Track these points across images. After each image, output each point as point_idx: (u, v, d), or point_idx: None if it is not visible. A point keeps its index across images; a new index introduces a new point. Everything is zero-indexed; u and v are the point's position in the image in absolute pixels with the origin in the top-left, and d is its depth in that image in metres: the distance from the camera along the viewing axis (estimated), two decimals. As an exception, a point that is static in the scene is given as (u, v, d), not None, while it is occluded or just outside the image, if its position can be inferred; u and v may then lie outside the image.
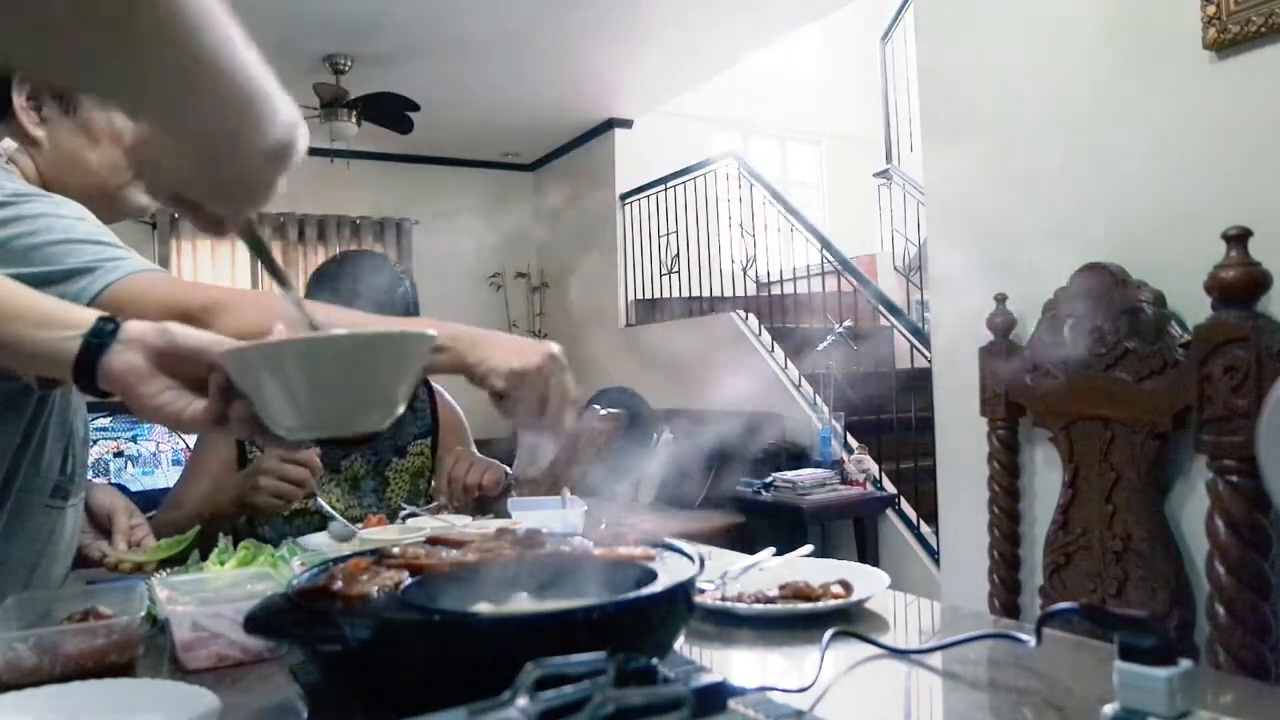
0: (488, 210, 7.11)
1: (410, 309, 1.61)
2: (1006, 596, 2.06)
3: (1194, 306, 1.68)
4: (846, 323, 4.46)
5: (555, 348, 0.89)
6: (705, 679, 0.53)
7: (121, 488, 1.29)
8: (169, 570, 1.05)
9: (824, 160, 7.86)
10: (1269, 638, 1.54)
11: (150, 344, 0.66)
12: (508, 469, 1.51)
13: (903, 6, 5.46)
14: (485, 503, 1.47)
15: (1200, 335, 1.63)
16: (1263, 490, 1.48)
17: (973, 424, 2.13)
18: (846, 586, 0.95)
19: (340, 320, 0.67)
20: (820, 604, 0.91)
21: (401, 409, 0.67)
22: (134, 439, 4.10)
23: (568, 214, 6.80)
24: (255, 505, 1.33)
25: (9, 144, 0.87)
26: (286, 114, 0.55)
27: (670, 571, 0.69)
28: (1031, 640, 0.77)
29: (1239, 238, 1.56)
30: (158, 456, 4.13)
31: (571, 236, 6.75)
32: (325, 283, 1.58)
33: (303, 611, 0.61)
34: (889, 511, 4.08)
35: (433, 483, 1.58)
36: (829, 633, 0.81)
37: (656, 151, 6.00)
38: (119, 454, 4.07)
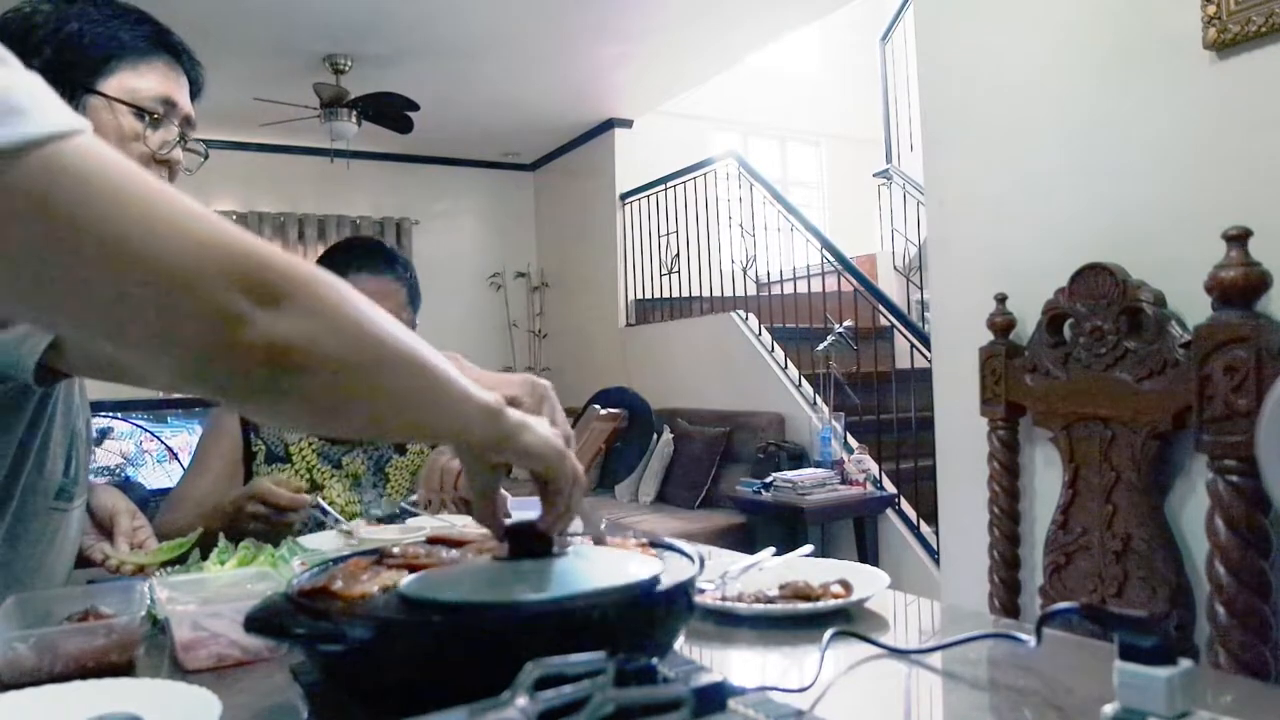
0: (488, 210, 7.12)
1: (411, 278, 1.61)
2: (1006, 596, 2.06)
3: (1194, 306, 1.68)
4: (846, 323, 4.46)
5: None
6: (705, 679, 0.53)
7: (125, 487, 1.28)
8: (169, 570, 1.05)
9: (824, 160, 7.87)
10: (1269, 638, 1.54)
11: None
12: None
13: (903, 6, 5.47)
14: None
15: (1200, 335, 1.63)
16: (1263, 490, 1.48)
17: (973, 424, 2.13)
18: (846, 586, 0.95)
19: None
20: (820, 604, 0.91)
21: None
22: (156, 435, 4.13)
23: (568, 214, 6.81)
24: (243, 532, 1.34)
25: None
26: None
27: (670, 571, 0.69)
28: (1031, 640, 0.77)
29: (1239, 238, 1.56)
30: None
31: (571, 236, 6.75)
32: (334, 253, 1.59)
33: (303, 611, 0.61)
34: (889, 511, 4.08)
35: (423, 475, 1.59)
36: (829, 633, 0.81)
37: (656, 151, 6.00)
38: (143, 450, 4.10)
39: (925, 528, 3.96)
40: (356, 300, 0.56)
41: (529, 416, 0.70)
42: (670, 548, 0.79)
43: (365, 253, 1.58)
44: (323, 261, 1.58)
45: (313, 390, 0.54)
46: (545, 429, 0.71)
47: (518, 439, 0.68)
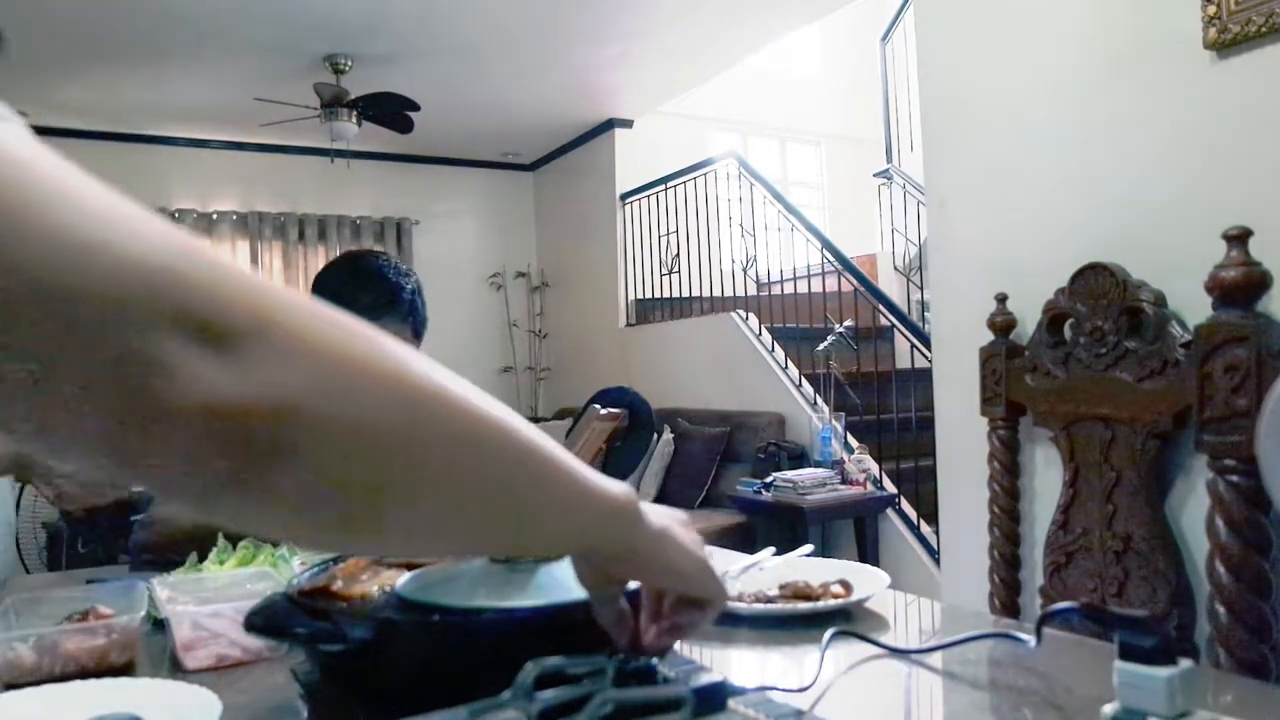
0: (488, 210, 7.12)
1: (415, 310, 1.49)
2: (1006, 596, 2.06)
3: (1194, 306, 1.68)
4: (847, 323, 4.46)
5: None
6: (705, 679, 0.53)
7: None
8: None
9: (824, 160, 7.86)
10: (1269, 638, 1.54)
11: None
12: None
13: (903, 6, 5.47)
14: None
15: (1200, 335, 1.63)
16: (1263, 490, 1.48)
17: (973, 424, 2.13)
18: (846, 586, 0.95)
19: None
20: (820, 604, 0.91)
21: None
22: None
23: (568, 214, 6.81)
24: None
25: None
26: None
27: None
28: (1031, 640, 0.77)
29: (1239, 238, 1.56)
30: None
31: (571, 236, 6.75)
32: (327, 290, 1.45)
33: (303, 611, 0.61)
34: (889, 511, 4.08)
35: None
36: (829, 632, 0.81)
37: (656, 151, 6.00)
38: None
39: (925, 528, 3.96)
40: (366, 336, 0.38)
41: (665, 519, 0.55)
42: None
43: (359, 286, 1.39)
44: (316, 287, 1.45)
45: (304, 481, 0.34)
46: (687, 537, 0.56)
47: (658, 554, 0.53)
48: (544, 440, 0.44)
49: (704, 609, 0.57)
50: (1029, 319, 2.02)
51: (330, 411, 0.34)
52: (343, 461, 0.35)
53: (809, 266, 4.94)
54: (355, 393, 0.35)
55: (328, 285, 1.45)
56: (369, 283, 1.43)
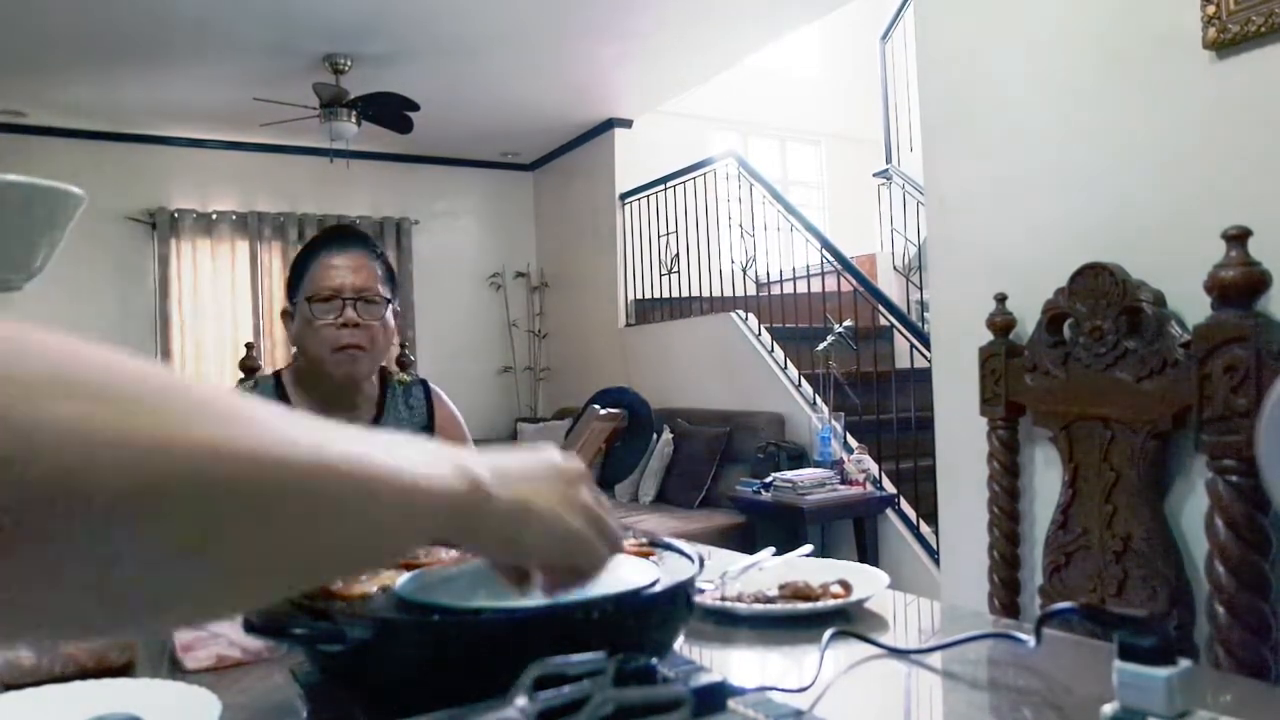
0: (487, 210, 7.12)
1: (383, 256, 1.64)
2: (1006, 596, 2.06)
3: (1194, 306, 1.68)
4: (846, 323, 4.46)
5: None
6: (705, 679, 0.53)
7: None
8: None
9: (824, 160, 7.87)
10: (1269, 638, 1.54)
11: None
12: None
13: (903, 6, 5.47)
14: None
15: (1200, 335, 1.63)
16: (1263, 490, 1.48)
17: (973, 424, 2.13)
18: (846, 586, 0.95)
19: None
20: (820, 604, 0.91)
21: (35, 273, 0.63)
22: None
23: (567, 214, 6.81)
24: None
25: None
26: None
27: (670, 571, 0.69)
28: (1031, 640, 0.77)
29: (1239, 238, 1.56)
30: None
31: (571, 236, 6.75)
32: (306, 248, 1.64)
33: (303, 611, 0.61)
34: (889, 511, 4.08)
35: None
36: (829, 633, 0.81)
37: (656, 151, 6.00)
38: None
39: (925, 528, 3.96)
40: (115, 399, 0.32)
41: (531, 487, 0.53)
42: (670, 548, 0.79)
43: (333, 233, 1.65)
44: (296, 260, 1.65)
45: (73, 536, 0.30)
46: (559, 499, 0.54)
47: (509, 536, 0.51)
48: (357, 456, 0.40)
49: (577, 575, 0.56)
50: (1029, 319, 2.02)
51: (75, 486, 0.29)
52: (101, 544, 0.31)
53: (809, 266, 4.94)
54: (98, 470, 0.30)
55: (306, 248, 1.65)
56: (341, 232, 1.65)
